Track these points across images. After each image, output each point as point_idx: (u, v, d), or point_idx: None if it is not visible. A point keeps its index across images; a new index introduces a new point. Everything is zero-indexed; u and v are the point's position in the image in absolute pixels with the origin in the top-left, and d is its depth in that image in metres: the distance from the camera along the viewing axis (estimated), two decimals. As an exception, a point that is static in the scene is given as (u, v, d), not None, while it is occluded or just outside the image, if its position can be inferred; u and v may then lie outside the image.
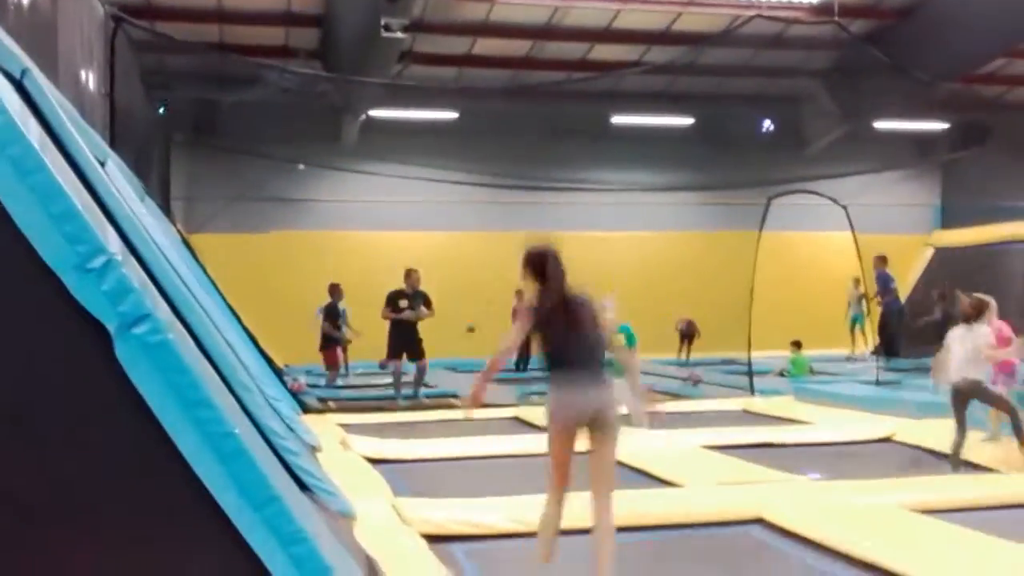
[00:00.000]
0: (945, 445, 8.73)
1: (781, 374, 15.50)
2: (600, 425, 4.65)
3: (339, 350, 15.28)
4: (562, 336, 4.71)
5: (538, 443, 8.99)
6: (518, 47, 18.02)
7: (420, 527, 5.71)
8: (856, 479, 7.18)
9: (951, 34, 16.79)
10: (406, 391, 13.09)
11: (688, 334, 19.13)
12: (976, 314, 8.16)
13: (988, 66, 19.46)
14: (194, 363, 3.34)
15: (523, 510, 6.07)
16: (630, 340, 14.57)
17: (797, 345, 15.91)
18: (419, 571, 4.90)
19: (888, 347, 15.34)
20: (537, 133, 20.04)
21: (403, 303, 12.91)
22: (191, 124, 18.48)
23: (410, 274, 13.17)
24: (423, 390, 13.45)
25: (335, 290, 15.11)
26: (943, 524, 5.73)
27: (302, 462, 5.11)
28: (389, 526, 5.73)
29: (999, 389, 8.18)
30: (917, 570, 4.82)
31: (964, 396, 7.82)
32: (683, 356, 18.93)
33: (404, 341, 12.90)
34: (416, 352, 12.99)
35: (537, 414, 10.83)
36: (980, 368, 7.87)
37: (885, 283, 16.65)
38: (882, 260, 15.47)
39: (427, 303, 13.01)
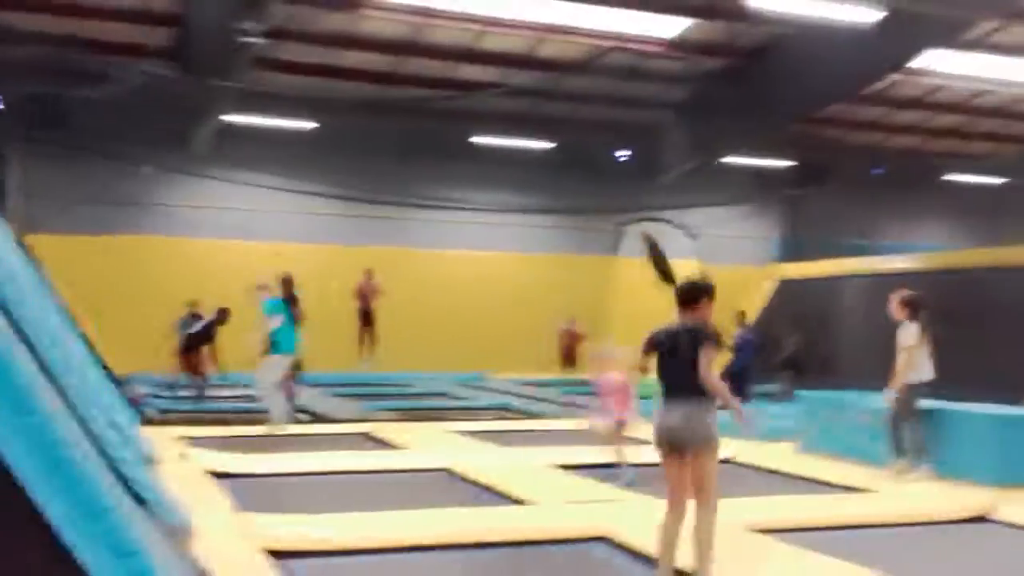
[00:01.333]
0: (784, 466, 9.08)
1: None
2: (682, 443, 5.07)
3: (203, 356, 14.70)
4: (664, 361, 5.25)
5: (387, 460, 8.92)
6: (381, 61, 17.95)
7: (261, 542, 5.54)
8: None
9: (798, 77, 17.62)
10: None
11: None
12: (912, 312, 8.51)
13: (830, 110, 20.51)
14: (24, 369, 3.13)
15: (368, 527, 5.97)
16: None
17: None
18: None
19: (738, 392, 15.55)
20: (397, 149, 20.00)
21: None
22: (34, 120, 17.57)
23: (287, 281, 12.87)
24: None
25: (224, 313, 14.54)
26: (780, 544, 5.92)
27: (137, 474, 4.88)
28: (228, 541, 5.54)
29: None
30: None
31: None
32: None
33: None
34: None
35: (387, 430, 10.74)
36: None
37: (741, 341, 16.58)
38: (741, 315, 15.60)
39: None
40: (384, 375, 17.88)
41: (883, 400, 8.79)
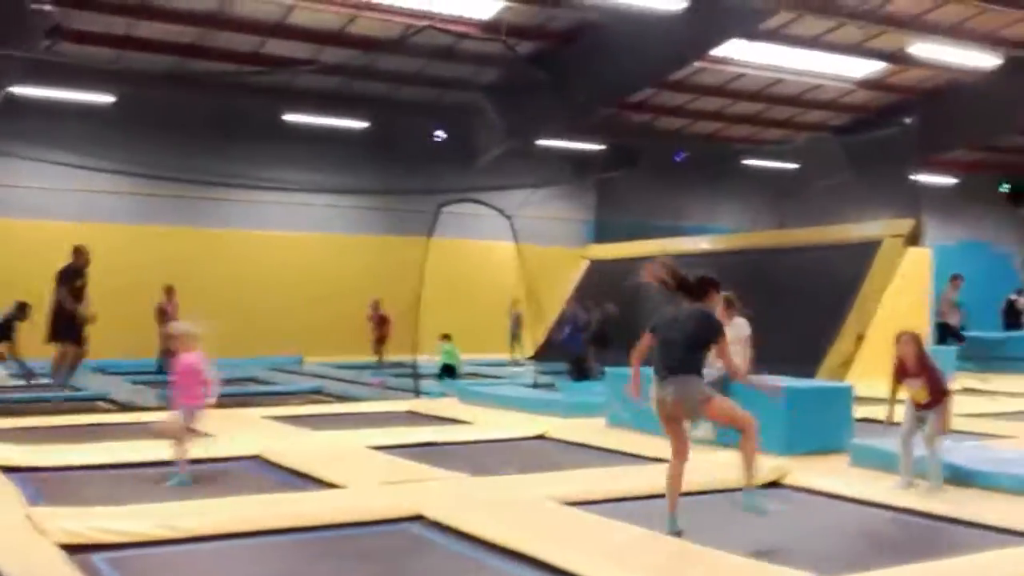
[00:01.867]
0: (593, 440, 9.35)
1: (440, 376, 15.95)
2: (679, 413, 5.94)
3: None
4: (662, 343, 5.95)
5: (194, 448, 8.60)
6: (185, 33, 17.21)
7: (57, 537, 5.24)
8: (511, 475, 7.48)
9: (608, 62, 18.07)
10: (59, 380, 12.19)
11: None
12: (733, 308, 9.01)
13: (639, 95, 21.16)
14: None
15: (172, 517, 5.75)
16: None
17: (447, 337, 16.40)
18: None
19: (579, 373, 15.73)
20: (205, 126, 19.24)
21: (79, 283, 12.00)
22: None
23: (80, 251, 12.27)
24: (67, 392, 12.44)
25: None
26: (585, 514, 6.09)
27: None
28: (22, 538, 5.23)
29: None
30: (559, 557, 5.08)
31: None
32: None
33: (68, 325, 11.93)
34: (79, 338, 12.09)
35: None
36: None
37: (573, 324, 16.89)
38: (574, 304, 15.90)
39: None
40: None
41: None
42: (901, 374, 7.04)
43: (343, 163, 20.93)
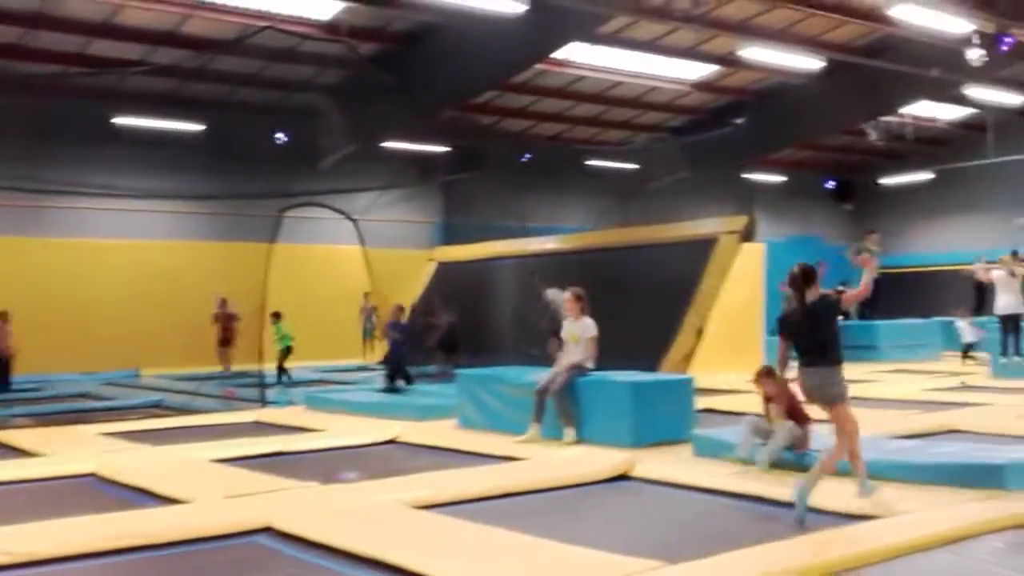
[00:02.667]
0: (444, 442, 9.34)
1: (279, 376, 15.71)
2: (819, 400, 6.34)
3: None
4: (802, 335, 6.34)
5: (23, 469, 8.14)
6: (4, 33, 16.28)
7: None
8: (363, 480, 7.38)
9: (451, 64, 18.09)
10: None
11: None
12: (584, 306, 9.28)
13: (483, 97, 21.28)
14: None
15: (3, 540, 5.43)
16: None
17: (276, 316, 16.18)
18: None
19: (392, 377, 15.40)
20: (26, 129, 18.19)
21: None
22: None
23: None
24: None
25: None
26: (439, 517, 6.08)
27: None
28: None
29: None
30: (410, 560, 5.05)
31: None
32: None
33: None
34: None
35: (21, 437, 9.82)
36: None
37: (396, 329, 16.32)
38: (400, 310, 15.56)
39: None
40: (13, 379, 16.20)
41: (538, 376, 9.40)
42: (768, 400, 7.64)
43: (181, 167, 20.20)
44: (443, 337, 16.73)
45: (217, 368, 18.43)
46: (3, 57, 16.86)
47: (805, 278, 6.26)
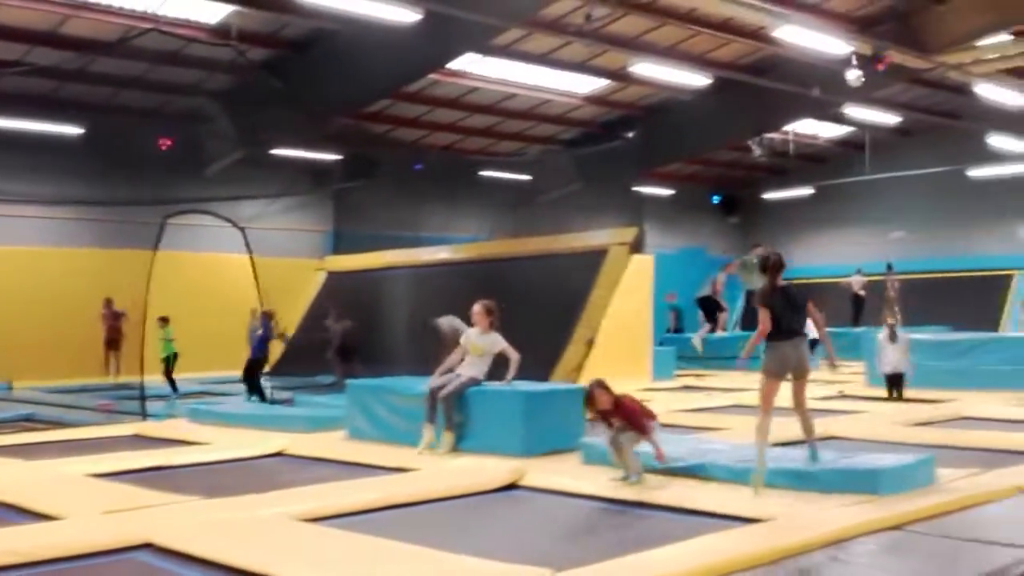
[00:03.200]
0: (333, 453, 9.21)
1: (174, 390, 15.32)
2: (798, 370, 7.24)
3: None
4: (785, 312, 7.13)
5: None
6: None
7: None
8: (247, 494, 7.22)
9: (344, 71, 17.94)
10: None
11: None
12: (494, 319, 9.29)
13: (376, 105, 21.15)
14: None
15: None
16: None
17: (164, 320, 15.82)
18: None
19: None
20: None
21: None
22: None
23: None
24: None
25: None
26: (326, 529, 5.98)
27: None
28: None
29: None
30: (296, 573, 4.97)
31: None
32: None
33: None
34: None
35: None
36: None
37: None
38: (268, 315, 15.17)
39: None
40: None
41: (422, 384, 9.35)
42: (604, 415, 7.30)
43: (60, 171, 19.44)
44: (339, 345, 16.57)
45: (98, 379, 17.79)
46: None
47: (782, 265, 7.34)
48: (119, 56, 17.08)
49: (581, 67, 20.50)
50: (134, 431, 11.45)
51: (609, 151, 23.83)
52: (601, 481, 7.36)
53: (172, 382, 15.76)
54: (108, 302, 18.23)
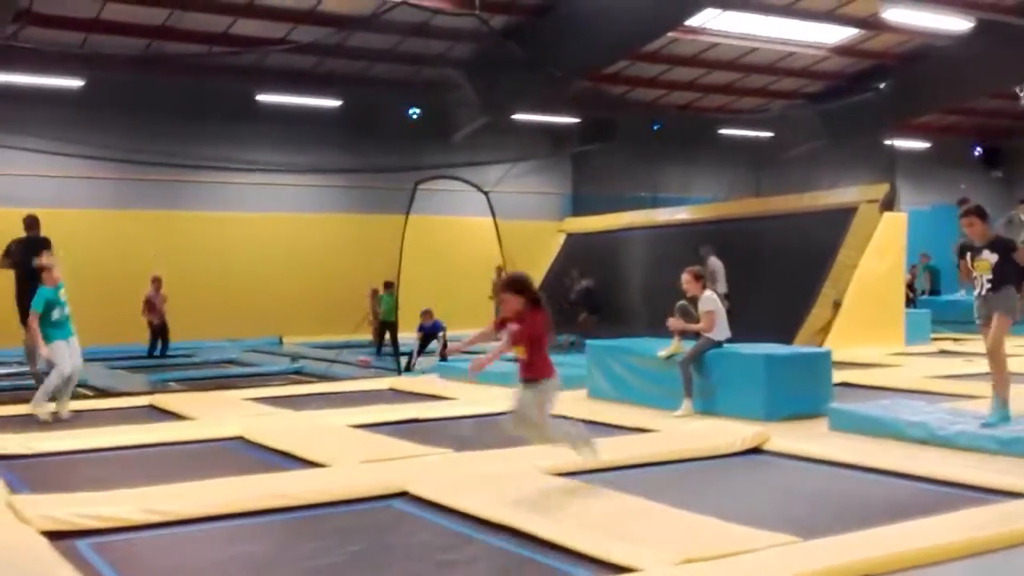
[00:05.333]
0: (575, 412, 9.39)
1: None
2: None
3: None
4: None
5: (176, 431, 8.60)
6: (153, 15, 16.99)
7: (40, 524, 5.23)
8: (495, 448, 7.52)
9: (581, 34, 17.98)
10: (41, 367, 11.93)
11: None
12: (703, 283, 9.40)
13: (613, 67, 21.10)
14: None
15: (155, 500, 5.75)
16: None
17: (388, 286, 16.31)
18: (37, 570, 4.48)
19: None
20: (176, 108, 19.03)
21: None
22: None
23: (33, 223, 11.75)
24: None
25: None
26: (572, 483, 6.13)
27: None
28: (3, 525, 5.21)
29: None
30: (548, 529, 5.11)
31: None
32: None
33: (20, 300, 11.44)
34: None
35: (173, 401, 10.35)
36: None
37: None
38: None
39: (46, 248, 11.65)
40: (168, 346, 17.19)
41: (660, 351, 9.39)
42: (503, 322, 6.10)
43: (318, 142, 20.77)
44: (586, 298, 16.92)
45: (357, 336, 18.59)
46: (152, 38, 17.64)
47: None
48: (372, 30, 17.91)
49: (828, 17, 19.54)
50: (390, 385, 12.16)
51: (858, 104, 22.65)
52: (851, 447, 7.13)
53: (379, 347, 16.15)
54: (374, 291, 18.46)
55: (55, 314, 9.50)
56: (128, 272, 17.74)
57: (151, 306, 17.10)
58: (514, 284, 6.03)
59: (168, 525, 5.52)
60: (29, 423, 9.23)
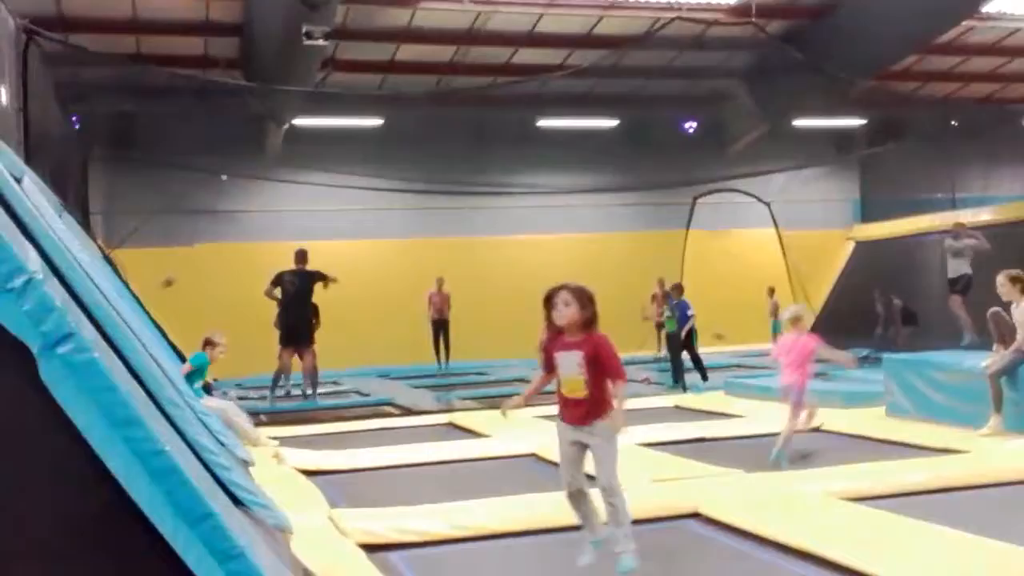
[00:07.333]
0: (873, 431, 8.97)
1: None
2: None
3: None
4: None
5: (473, 448, 9.02)
6: (441, 52, 18.03)
7: (358, 537, 5.66)
8: (788, 470, 7.31)
9: (865, 32, 17.20)
10: (292, 390, 13.08)
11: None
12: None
13: (902, 63, 19.99)
14: (121, 381, 3.26)
15: (460, 516, 6.06)
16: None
17: (679, 289, 15.56)
18: (359, 581, 4.86)
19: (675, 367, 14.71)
20: (463, 138, 20.09)
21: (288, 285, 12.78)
22: (109, 137, 18.02)
23: (301, 255, 13.04)
24: (355, 398, 13.33)
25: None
26: (871, 510, 5.86)
27: (235, 477, 5.02)
28: (327, 538, 5.67)
29: None
30: (851, 557, 4.92)
31: None
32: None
33: (293, 326, 12.76)
34: (305, 340, 12.81)
35: (470, 419, 10.85)
36: None
37: (684, 311, 14.61)
38: (679, 290, 14.85)
39: (323, 280, 12.92)
40: (459, 364, 18.05)
41: (984, 361, 8.71)
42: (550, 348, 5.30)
43: (596, 162, 21.16)
44: (905, 319, 16.27)
45: (642, 352, 18.67)
46: (443, 74, 18.69)
47: None
48: (646, 48, 18.03)
49: None
50: (674, 403, 12.12)
51: None
52: None
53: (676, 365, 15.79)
54: (661, 282, 17.99)
55: (197, 383, 9.41)
56: (421, 297, 18.73)
57: (434, 304, 18.01)
58: (584, 294, 5.00)
59: (472, 540, 5.79)
60: (340, 440, 9.98)
